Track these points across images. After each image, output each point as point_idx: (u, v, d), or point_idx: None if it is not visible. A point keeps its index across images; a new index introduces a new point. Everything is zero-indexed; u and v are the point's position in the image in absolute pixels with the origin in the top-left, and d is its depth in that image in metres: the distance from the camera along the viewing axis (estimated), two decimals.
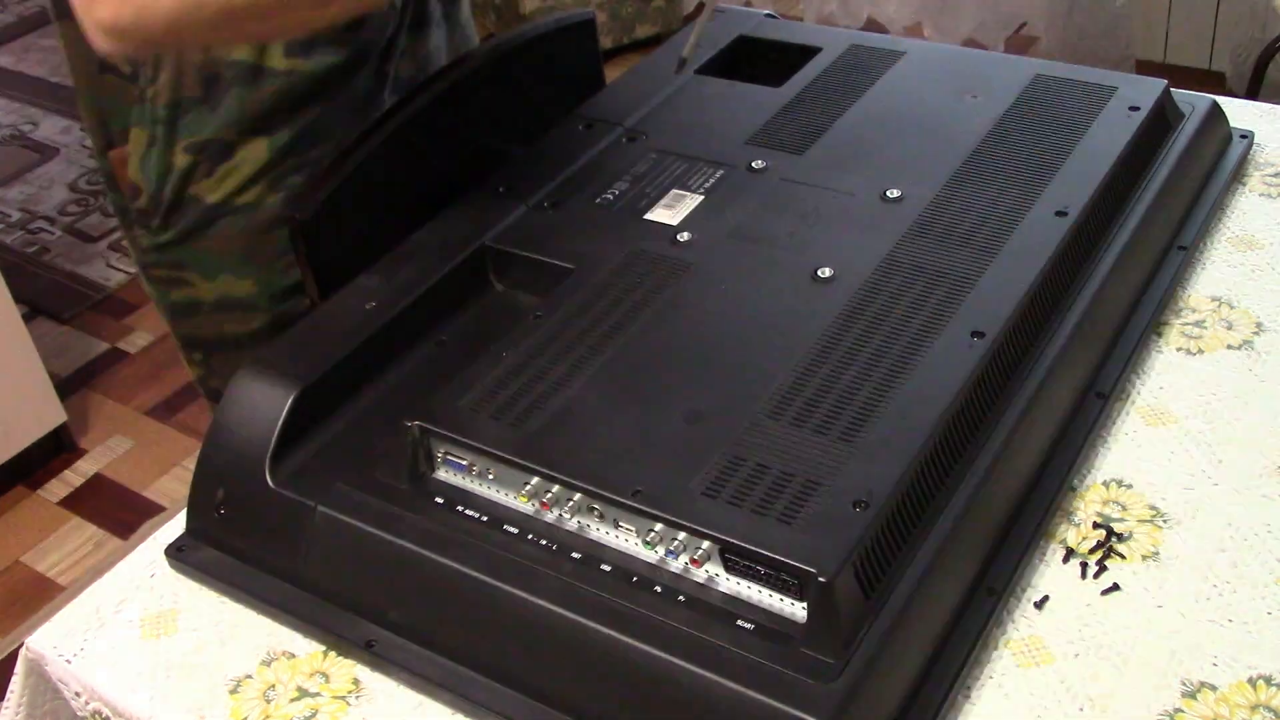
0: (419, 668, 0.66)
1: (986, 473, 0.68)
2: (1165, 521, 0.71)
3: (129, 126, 0.92)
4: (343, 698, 0.67)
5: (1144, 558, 0.70)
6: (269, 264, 0.93)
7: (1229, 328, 0.84)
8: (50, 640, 0.72)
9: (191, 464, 0.76)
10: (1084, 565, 0.69)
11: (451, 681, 0.66)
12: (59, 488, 2.10)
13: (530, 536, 0.67)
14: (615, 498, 0.64)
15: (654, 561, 0.64)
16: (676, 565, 0.64)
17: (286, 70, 0.90)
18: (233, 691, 0.68)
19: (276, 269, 0.93)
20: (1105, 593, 0.68)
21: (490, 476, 0.69)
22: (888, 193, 0.85)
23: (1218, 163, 0.97)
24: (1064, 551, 0.70)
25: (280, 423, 0.72)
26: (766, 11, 1.11)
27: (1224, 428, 0.77)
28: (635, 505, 0.63)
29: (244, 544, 0.73)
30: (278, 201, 0.91)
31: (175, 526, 0.77)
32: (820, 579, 0.59)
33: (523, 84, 1.01)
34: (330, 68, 0.92)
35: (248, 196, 0.91)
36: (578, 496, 0.65)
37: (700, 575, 0.63)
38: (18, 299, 2.02)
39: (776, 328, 0.74)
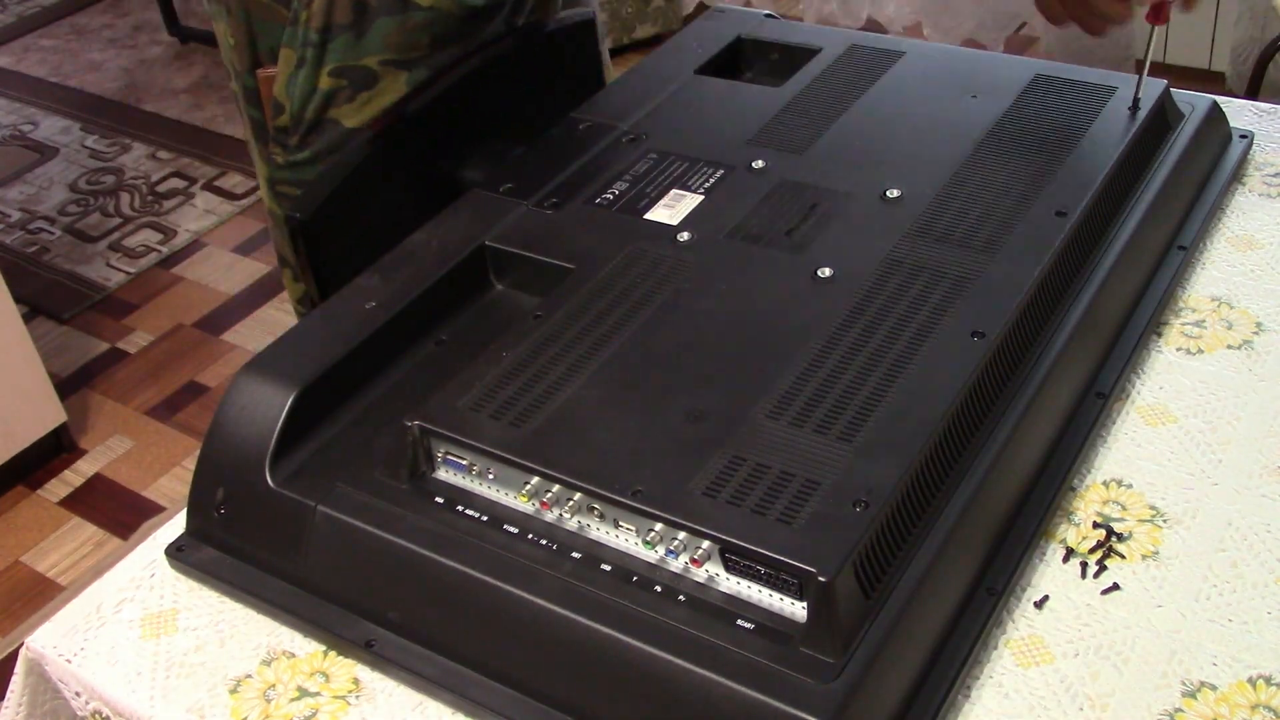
0: (419, 668, 0.66)
1: (986, 473, 0.68)
2: (1165, 521, 0.71)
3: (278, 46, 0.98)
4: (343, 697, 0.67)
5: (1144, 557, 0.70)
6: None
7: (1229, 328, 0.84)
8: (50, 640, 0.72)
9: (191, 464, 0.76)
10: (1084, 565, 0.69)
11: (451, 681, 0.66)
12: (59, 488, 2.10)
13: (530, 536, 0.67)
14: (615, 498, 0.64)
15: (654, 561, 0.64)
16: (676, 565, 0.64)
17: (430, 5, 0.95)
18: (233, 691, 0.68)
19: None
20: (1105, 592, 0.68)
21: (490, 476, 0.69)
22: (888, 193, 0.85)
23: (1217, 163, 0.97)
24: (1064, 551, 0.70)
25: (280, 423, 0.72)
26: (766, 11, 1.11)
27: (1224, 428, 0.77)
28: (635, 505, 0.63)
29: (244, 544, 0.73)
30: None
31: (175, 526, 0.77)
32: (820, 579, 0.59)
33: (523, 84, 1.01)
34: (472, 8, 0.97)
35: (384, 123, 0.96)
36: (578, 496, 0.65)
37: (700, 575, 0.63)
38: (18, 299, 2.02)
39: (776, 328, 0.74)
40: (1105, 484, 0.74)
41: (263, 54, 1.01)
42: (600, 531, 0.66)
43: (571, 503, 0.66)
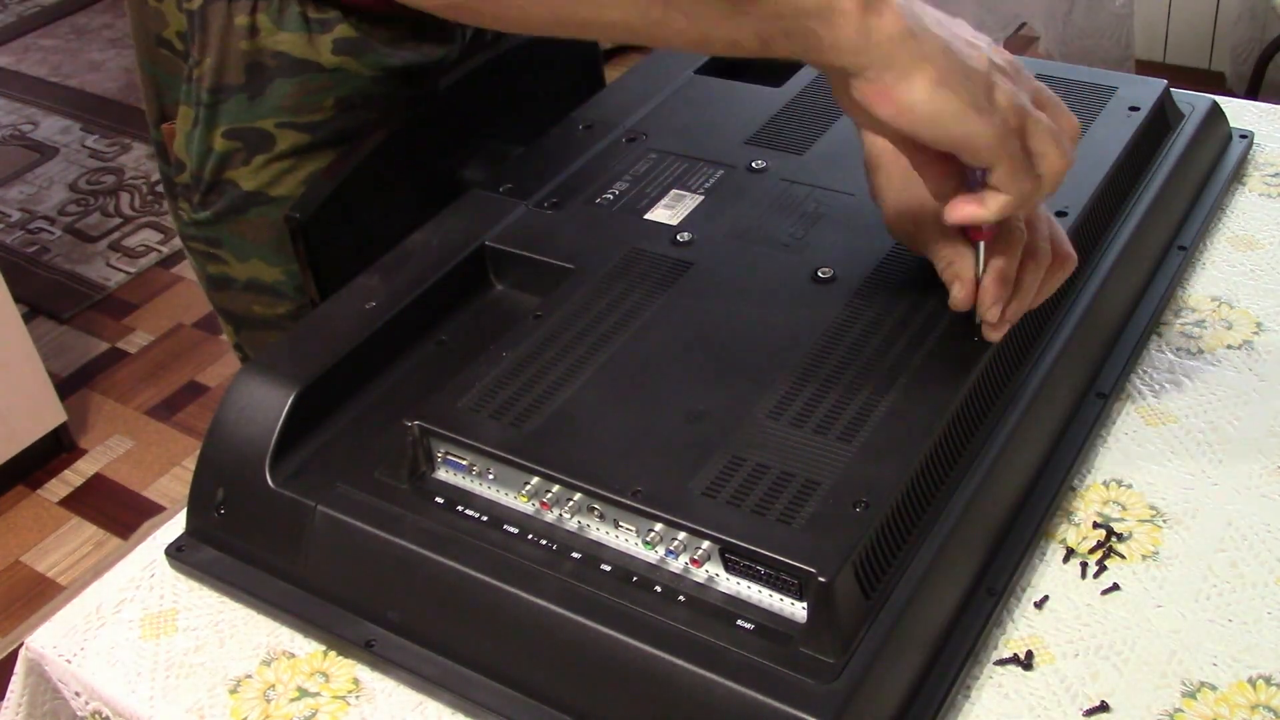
0: (419, 668, 0.66)
1: (986, 473, 0.68)
2: (1165, 521, 0.71)
3: (179, 102, 0.93)
4: (343, 698, 0.67)
5: (1144, 557, 0.70)
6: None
7: (1229, 328, 0.84)
8: (50, 640, 0.72)
9: (191, 464, 0.76)
10: (1084, 565, 0.69)
11: (451, 681, 0.66)
12: (59, 488, 2.10)
13: (530, 536, 0.67)
14: (615, 498, 0.64)
15: (654, 561, 0.64)
16: (676, 565, 0.64)
17: (335, 66, 0.90)
18: (233, 691, 0.68)
19: None
20: (1105, 593, 0.68)
21: (490, 476, 0.69)
22: None
23: (1217, 163, 0.97)
24: (1064, 551, 0.70)
25: (280, 423, 0.72)
26: None
27: (1224, 428, 0.77)
28: (635, 505, 0.63)
29: (244, 544, 0.73)
30: None
31: (175, 526, 0.77)
32: (820, 579, 0.59)
33: (523, 84, 1.01)
34: (387, 70, 0.92)
35: (281, 189, 0.92)
36: (578, 496, 0.65)
37: (700, 575, 0.63)
38: (18, 299, 2.02)
39: (776, 328, 0.74)
40: (1105, 484, 0.74)
41: (169, 107, 0.96)
42: (600, 532, 0.66)
43: (571, 503, 0.66)
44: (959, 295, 0.69)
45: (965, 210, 0.63)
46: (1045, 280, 0.70)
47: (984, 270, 0.68)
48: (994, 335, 0.70)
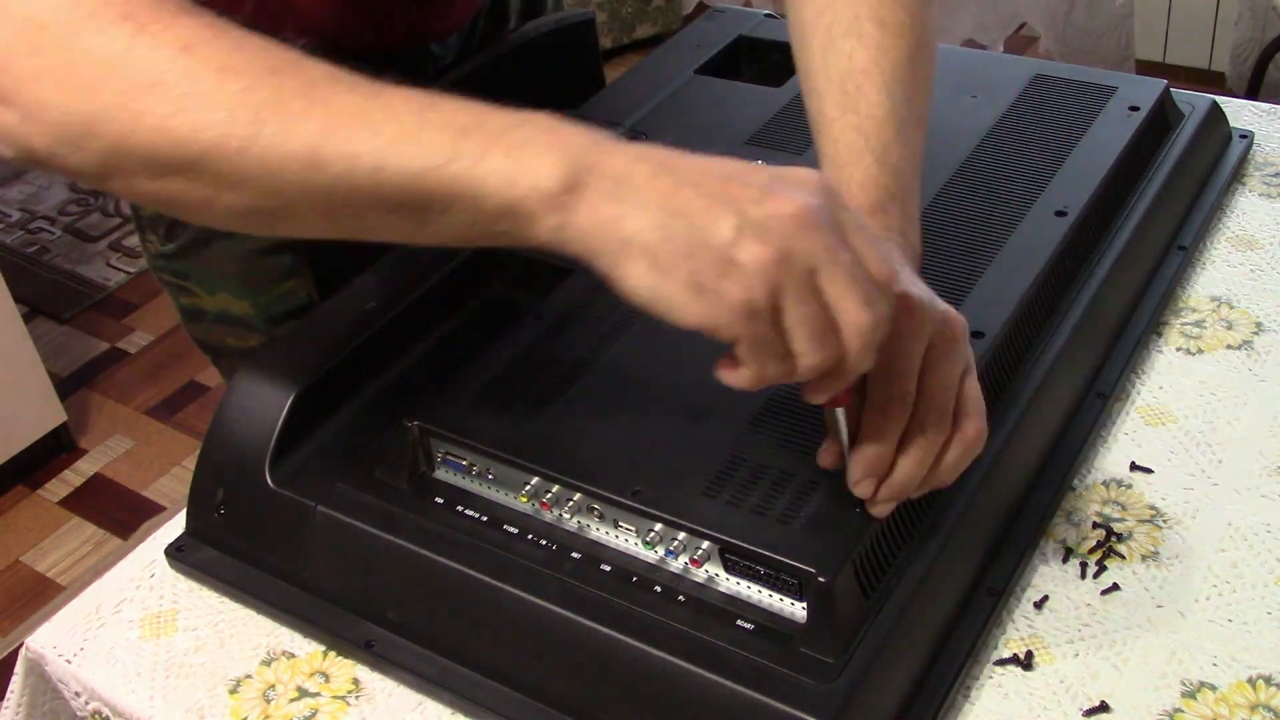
0: (419, 668, 0.66)
1: (986, 473, 0.68)
2: (1165, 521, 0.71)
3: None
4: (342, 698, 0.67)
5: (1144, 557, 0.70)
6: (266, 288, 0.92)
7: (1229, 328, 0.84)
8: (50, 640, 0.72)
9: (191, 464, 0.76)
10: (1084, 565, 0.69)
11: (451, 681, 0.66)
12: (59, 488, 2.10)
13: (530, 536, 0.67)
14: (615, 498, 0.64)
15: (654, 561, 0.64)
16: (676, 565, 0.64)
17: None
18: (233, 691, 0.68)
19: (275, 294, 0.92)
20: (1105, 593, 0.68)
21: (490, 476, 0.69)
22: None
23: (1217, 163, 0.97)
24: (1064, 551, 0.70)
25: (280, 423, 0.72)
26: (766, 11, 1.11)
27: (1224, 428, 0.77)
28: (635, 505, 0.63)
29: (244, 544, 0.73)
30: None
31: (175, 526, 0.77)
32: (820, 579, 0.59)
33: (523, 84, 1.01)
34: None
35: None
36: (578, 496, 0.65)
37: (700, 575, 0.63)
38: (18, 299, 2.02)
39: None
40: (1105, 484, 0.74)
41: None
42: (600, 532, 0.66)
43: (571, 503, 0.66)
44: (821, 458, 0.62)
45: (720, 373, 0.56)
46: (937, 461, 0.60)
47: (847, 439, 0.60)
48: (876, 511, 0.61)
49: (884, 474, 0.60)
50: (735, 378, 0.55)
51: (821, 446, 0.62)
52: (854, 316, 0.53)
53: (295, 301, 0.92)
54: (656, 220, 0.52)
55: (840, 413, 0.60)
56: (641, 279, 0.53)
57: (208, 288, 0.93)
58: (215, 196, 0.58)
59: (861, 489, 0.60)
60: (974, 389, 0.61)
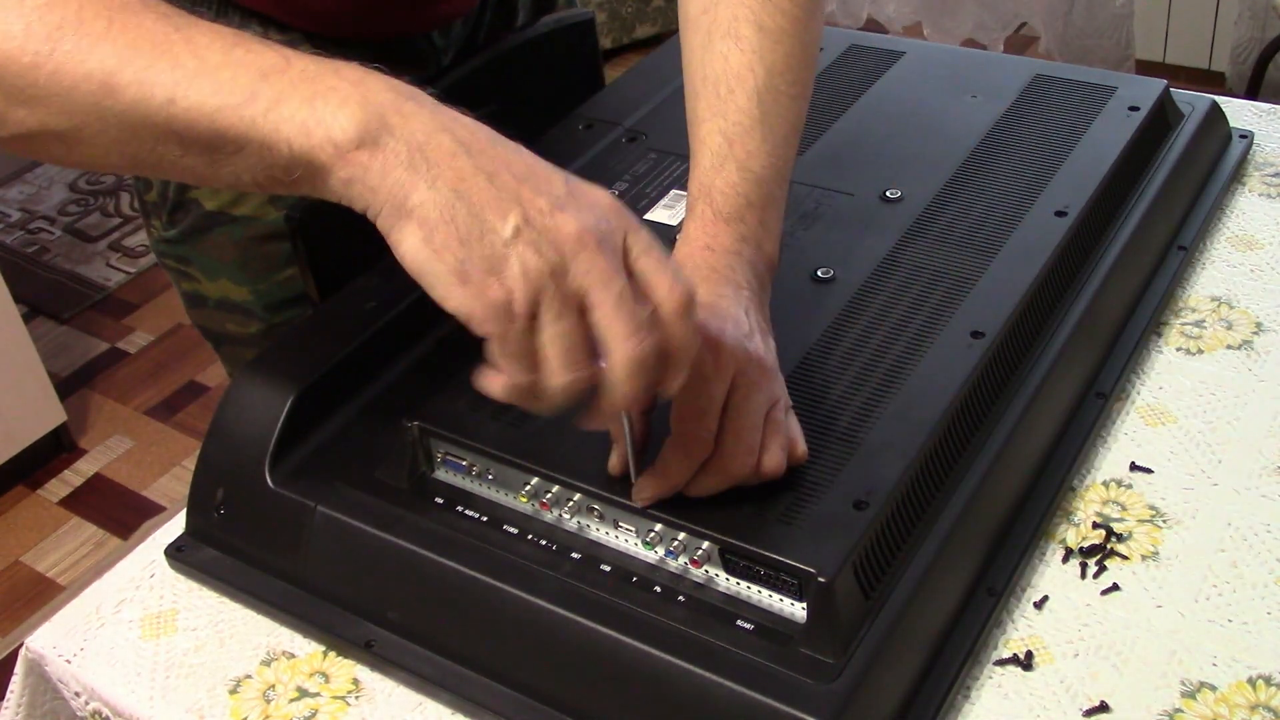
0: (419, 668, 0.66)
1: (986, 473, 0.68)
2: (1165, 521, 0.71)
3: None
4: (342, 698, 0.67)
5: (1144, 558, 0.70)
6: (265, 275, 0.92)
7: (1229, 328, 0.84)
8: (50, 640, 0.72)
9: (191, 464, 0.76)
10: (1084, 565, 0.69)
11: (451, 681, 0.66)
12: (59, 488, 2.10)
13: (530, 536, 0.67)
14: (615, 498, 0.64)
15: (654, 561, 0.64)
16: (676, 565, 0.64)
17: None
18: (232, 691, 0.68)
19: (274, 281, 0.93)
20: (1105, 593, 0.68)
21: (490, 476, 0.69)
22: (888, 193, 0.85)
23: (1217, 163, 0.97)
24: (1064, 551, 0.70)
25: (280, 423, 0.72)
26: None
27: (1224, 428, 0.77)
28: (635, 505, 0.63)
29: (244, 544, 0.73)
30: (279, 217, 0.90)
31: (175, 526, 0.77)
32: (820, 579, 0.59)
33: (523, 84, 1.01)
34: None
35: (244, 208, 0.91)
36: (578, 496, 0.65)
37: (700, 575, 0.63)
38: (18, 299, 2.02)
39: (776, 328, 0.74)
40: (1105, 484, 0.74)
41: None
42: (600, 532, 0.66)
43: (571, 503, 0.66)
44: (610, 461, 0.64)
45: (477, 379, 0.57)
46: (700, 474, 0.62)
47: (631, 452, 0.62)
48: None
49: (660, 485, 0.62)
50: (489, 383, 0.56)
51: (613, 452, 0.64)
52: (617, 345, 0.53)
53: (295, 289, 0.92)
54: (443, 199, 0.53)
55: (626, 424, 0.61)
56: (414, 250, 0.54)
57: (208, 273, 0.93)
58: (4, 111, 0.57)
59: (643, 503, 0.62)
60: (779, 423, 0.62)
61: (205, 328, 0.99)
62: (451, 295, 0.54)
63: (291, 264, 0.91)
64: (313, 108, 0.54)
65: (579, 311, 0.54)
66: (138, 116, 0.55)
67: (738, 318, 0.63)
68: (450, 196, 0.53)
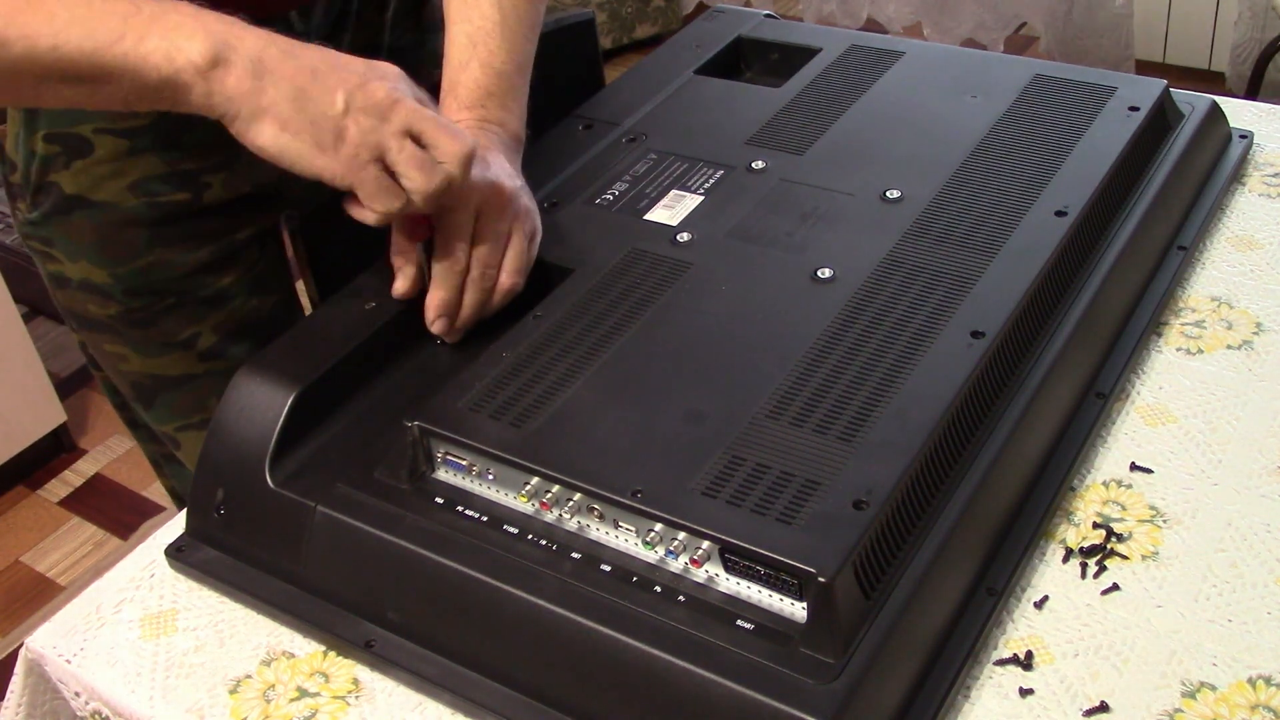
0: (419, 668, 0.66)
1: (986, 473, 0.68)
2: (1165, 521, 0.71)
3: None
4: (342, 698, 0.67)
5: (1144, 557, 0.70)
6: (124, 260, 0.93)
7: (1229, 328, 0.84)
8: (50, 640, 0.72)
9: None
10: (1084, 565, 0.69)
11: (451, 681, 0.66)
12: (59, 488, 2.10)
13: (530, 536, 0.67)
14: (615, 498, 0.64)
15: (654, 561, 0.64)
16: (676, 565, 0.64)
17: None
18: (232, 691, 0.68)
19: (133, 266, 0.93)
20: (1105, 593, 0.68)
21: (490, 476, 0.69)
22: (888, 193, 0.85)
23: (1217, 163, 0.97)
24: (1064, 551, 0.70)
25: (280, 423, 0.72)
26: (766, 12, 1.11)
27: (1224, 428, 0.77)
28: (635, 505, 0.63)
29: (244, 544, 0.73)
30: (137, 204, 0.91)
31: (175, 526, 0.77)
32: (820, 579, 0.59)
33: None
34: None
35: (102, 194, 0.91)
36: (578, 496, 0.65)
37: (700, 575, 0.63)
38: (18, 299, 2.02)
39: (776, 328, 0.74)
40: (1105, 484, 0.74)
41: (5, 109, 0.96)
42: (600, 532, 0.66)
43: (571, 503, 0.66)
44: (398, 286, 0.79)
45: (350, 209, 0.74)
46: (465, 294, 0.78)
47: (429, 274, 0.78)
48: (450, 339, 0.80)
49: (454, 314, 0.78)
50: (362, 214, 0.73)
51: (396, 280, 0.79)
52: (444, 150, 0.72)
53: (156, 276, 0.93)
54: (287, 94, 0.70)
55: (420, 246, 0.78)
56: (273, 137, 0.70)
57: (70, 255, 0.94)
58: None
59: (437, 327, 0.78)
60: (518, 244, 0.79)
61: (68, 309, 0.99)
62: (315, 163, 0.71)
63: (153, 250, 0.92)
64: (170, 39, 0.68)
65: (409, 139, 0.71)
66: (26, 64, 0.68)
67: (481, 157, 0.77)
68: (292, 90, 0.70)
